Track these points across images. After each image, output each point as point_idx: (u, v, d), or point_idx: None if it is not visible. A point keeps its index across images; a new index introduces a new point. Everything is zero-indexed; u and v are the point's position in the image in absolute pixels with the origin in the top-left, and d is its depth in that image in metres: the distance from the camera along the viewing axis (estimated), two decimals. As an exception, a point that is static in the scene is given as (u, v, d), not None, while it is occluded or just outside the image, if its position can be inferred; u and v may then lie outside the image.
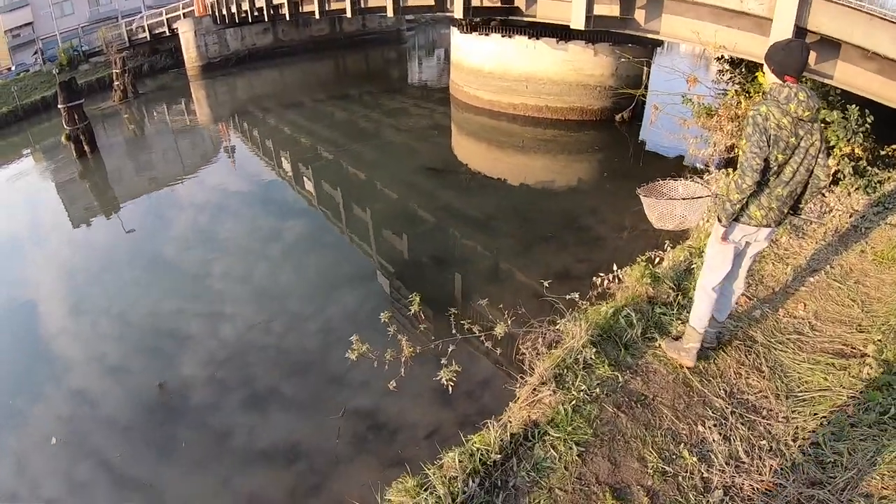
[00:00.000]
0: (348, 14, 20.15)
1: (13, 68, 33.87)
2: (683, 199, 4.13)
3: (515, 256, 9.65)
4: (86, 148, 18.32)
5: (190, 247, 11.74)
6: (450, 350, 4.10)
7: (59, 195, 16.65)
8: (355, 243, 11.35)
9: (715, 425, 3.53)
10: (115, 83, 27.35)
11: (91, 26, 36.17)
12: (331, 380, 6.99)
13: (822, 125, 3.45)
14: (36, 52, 34.30)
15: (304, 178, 15.47)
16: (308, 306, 8.94)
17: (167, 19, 32.01)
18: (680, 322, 4.45)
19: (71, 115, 17.74)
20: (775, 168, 3.35)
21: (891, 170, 8.01)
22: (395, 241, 11.13)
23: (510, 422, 3.54)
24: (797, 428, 3.51)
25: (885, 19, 7.50)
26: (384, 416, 6.20)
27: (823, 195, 6.63)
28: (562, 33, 15.26)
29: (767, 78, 3.46)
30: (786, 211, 3.51)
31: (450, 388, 3.87)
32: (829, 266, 5.50)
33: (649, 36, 12.12)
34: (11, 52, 35.72)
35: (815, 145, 3.32)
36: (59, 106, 18.01)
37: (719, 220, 3.54)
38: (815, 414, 3.60)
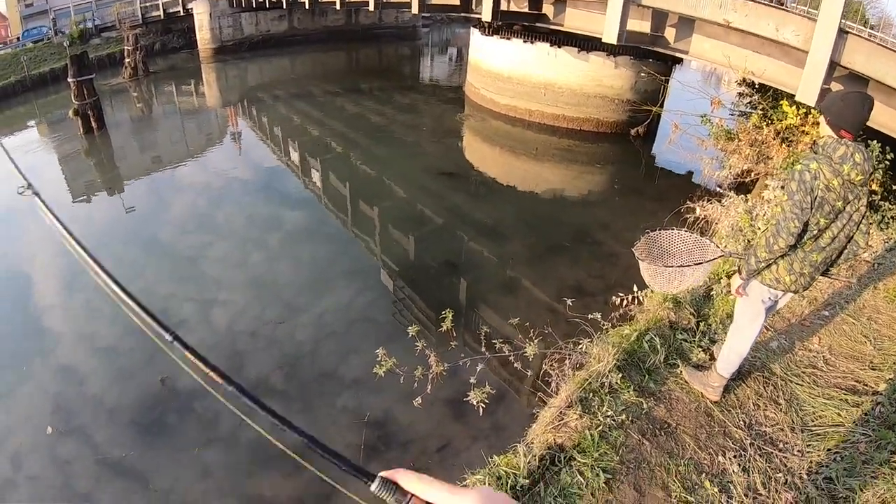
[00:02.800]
0: (371, 7, 20.05)
1: (21, 37, 33.55)
2: (689, 265, 3.64)
3: (527, 266, 9.61)
4: (93, 124, 18.14)
5: (189, 230, 11.59)
6: (478, 368, 4.05)
7: (61, 169, 16.48)
8: (360, 239, 11.29)
9: (735, 456, 3.56)
10: (126, 60, 27.11)
11: (105, 1, 35.88)
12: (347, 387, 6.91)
13: (870, 189, 3.17)
14: (48, 27, 33.98)
15: (312, 170, 15.42)
16: (307, 302, 8.81)
17: (183, -1, 31.87)
18: (700, 350, 4.47)
19: (80, 90, 17.55)
20: (815, 232, 3.10)
21: None
22: (402, 241, 11.08)
23: (534, 444, 3.53)
24: (811, 462, 3.55)
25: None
26: (407, 430, 6.10)
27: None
28: (584, 43, 15.27)
29: (821, 130, 3.16)
30: (816, 277, 3.32)
31: (480, 410, 3.84)
32: (843, 301, 5.53)
33: (678, 55, 12.13)
34: (24, 21, 35.37)
35: (860, 211, 3.07)
36: (69, 80, 17.77)
37: (739, 272, 3.42)
38: (829, 449, 3.63)
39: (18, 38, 33.30)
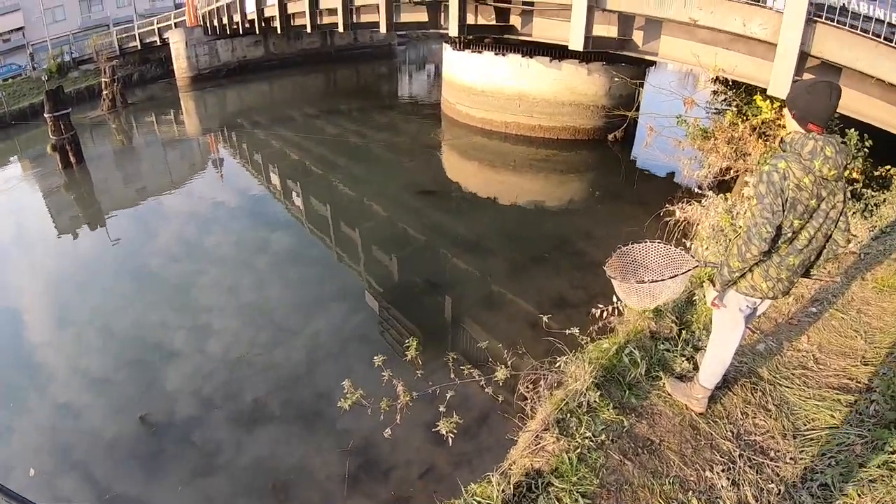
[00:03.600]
0: (340, 29, 20.07)
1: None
2: (664, 278, 3.47)
3: (509, 280, 9.49)
4: (71, 158, 18.05)
5: (176, 259, 11.58)
6: (448, 396, 3.89)
7: (44, 205, 16.40)
8: (343, 261, 11.19)
9: (723, 470, 3.38)
10: (105, 92, 27.05)
11: (82, 33, 35.82)
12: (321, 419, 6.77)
13: (846, 183, 3.00)
14: (17, 64, 33.92)
15: (293, 194, 15.35)
16: (294, 329, 8.74)
17: (158, 28, 31.78)
18: (684, 359, 4.31)
19: (57, 125, 17.50)
20: (789, 235, 2.94)
21: (885, 191, 7.96)
22: (384, 261, 10.97)
23: (511, 470, 3.35)
24: (805, 469, 3.38)
25: (890, 46, 7.44)
26: (379, 461, 5.99)
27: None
28: (555, 52, 15.26)
29: (788, 125, 2.98)
30: (795, 281, 3.16)
31: (449, 440, 3.67)
32: (830, 295, 5.39)
33: (647, 57, 12.11)
34: (1, 56, 35.38)
35: (837, 207, 2.89)
36: (45, 115, 17.76)
37: (713, 283, 3.26)
38: (823, 454, 3.46)
39: None
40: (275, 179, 16.71)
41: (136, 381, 7.79)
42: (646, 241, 3.65)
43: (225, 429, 6.72)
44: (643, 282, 3.49)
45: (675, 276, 3.43)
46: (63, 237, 13.88)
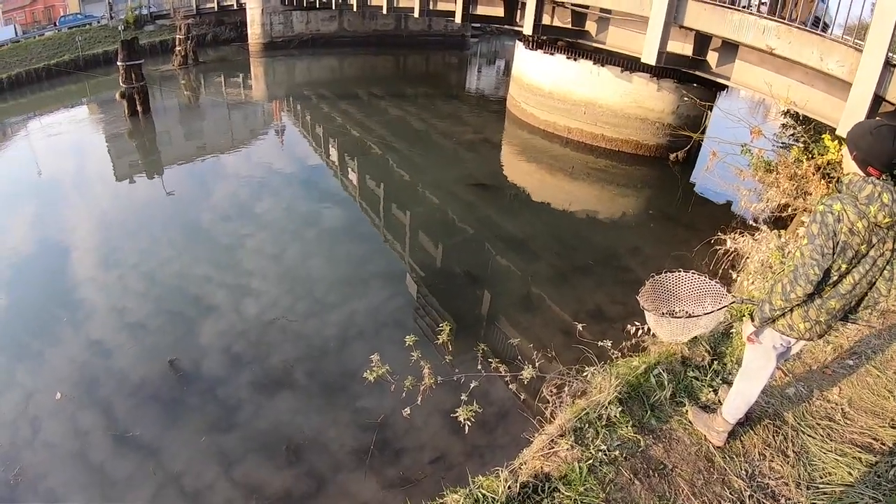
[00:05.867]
0: (416, 14, 20.21)
1: (57, 23, 34.46)
2: (698, 315, 3.39)
3: (550, 286, 9.48)
4: (138, 108, 18.74)
5: (227, 218, 11.93)
6: (472, 385, 3.95)
7: (106, 149, 17.05)
8: (389, 242, 11.37)
9: (730, 507, 3.36)
10: (177, 48, 27.93)
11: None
12: (346, 392, 6.92)
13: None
14: (83, 14, 35.01)
15: (349, 170, 15.58)
16: (333, 299, 8.95)
17: (237, -7, 32.56)
18: (711, 389, 4.28)
19: (128, 74, 18.17)
20: (835, 278, 2.87)
21: None
22: (429, 248, 11.09)
23: (521, 470, 3.40)
24: (813, 523, 3.32)
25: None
26: (394, 440, 6.11)
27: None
28: (627, 63, 15.04)
29: (846, 166, 2.89)
30: (833, 325, 3.08)
31: (466, 427, 3.73)
32: (870, 350, 5.23)
33: (719, 80, 11.88)
34: (81, 3, 36.60)
35: (885, 255, 2.82)
36: (118, 63, 18.45)
37: (752, 319, 3.20)
38: (834, 510, 3.41)
39: (55, 24, 34.48)
40: (333, 153, 17.00)
41: (170, 329, 8.12)
42: (679, 271, 3.61)
43: (249, 387, 6.94)
44: (677, 316, 3.46)
45: (710, 313, 3.39)
46: (121, 182, 14.41)
